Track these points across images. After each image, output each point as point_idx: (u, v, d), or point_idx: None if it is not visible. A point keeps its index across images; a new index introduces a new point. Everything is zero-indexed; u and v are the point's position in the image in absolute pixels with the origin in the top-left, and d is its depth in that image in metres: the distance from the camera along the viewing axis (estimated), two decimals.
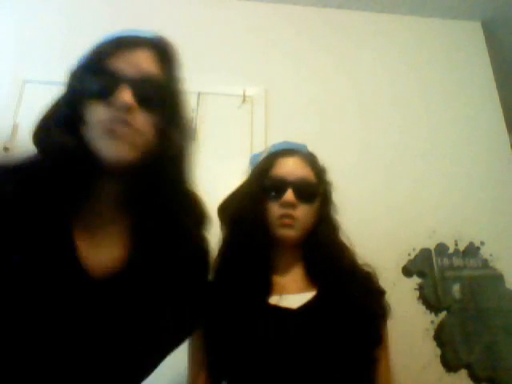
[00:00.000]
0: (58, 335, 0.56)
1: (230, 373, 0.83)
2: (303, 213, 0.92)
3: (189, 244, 0.70)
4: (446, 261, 1.61)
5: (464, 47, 2.01)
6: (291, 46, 1.90)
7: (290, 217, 0.90)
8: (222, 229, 0.98)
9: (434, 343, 1.49)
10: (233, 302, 0.85)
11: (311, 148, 1.06)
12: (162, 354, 0.69)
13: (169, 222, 0.67)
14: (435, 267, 1.59)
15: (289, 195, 0.91)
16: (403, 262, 1.59)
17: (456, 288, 1.57)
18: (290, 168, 0.95)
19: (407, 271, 1.58)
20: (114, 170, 0.63)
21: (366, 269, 0.96)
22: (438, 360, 1.47)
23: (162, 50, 0.69)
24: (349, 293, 0.87)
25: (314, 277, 0.92)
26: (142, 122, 0.63)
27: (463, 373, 1.46)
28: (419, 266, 1.59)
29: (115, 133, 0.60)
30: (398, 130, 1.81)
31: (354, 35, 1.98)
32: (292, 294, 0.88)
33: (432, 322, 1.52)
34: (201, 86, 1.73)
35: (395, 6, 1.99)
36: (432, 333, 1.50)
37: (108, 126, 0.60)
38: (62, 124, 0.63)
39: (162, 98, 0.66)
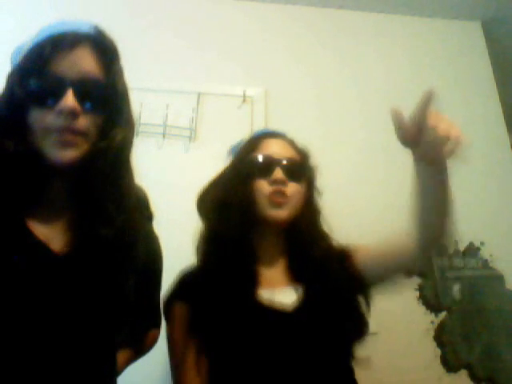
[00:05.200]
0: (36, 305, 0.59)
1: (224, 374, 0.81)
2: (294, 191, 0.90)
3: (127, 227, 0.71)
4: (445, 261, 1.61)
5: (464, 47, 2.01)
6: (292, 47, 1.90)
7: (281, 193, 0.88)
8: (202, 221, 0.95)
9: (434, 343, 1.49)
10: (220, 297, 0.82)
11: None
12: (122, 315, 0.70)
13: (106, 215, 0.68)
14: (435, 267, 1.59)
15: (279, 172, 0.89)
16: None
17: (456, 288, 1.57)
18: (276, 148, 0.94)
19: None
20: (59, 169, 0.65)
21: (338, 248, 0.95)
22: (438, 360, 1.47)
23: (102, 46, 0.68)
24: (334, 287, 0.86)
25: (296, 270, 0.91)
26: (87, 124, 0.64)
27: (463, 373, 1.46)
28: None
29: (64, 142, 0.62)
30: None
31: (354, 35, 1.97)
32: (279, 287, 0.87)
33: (432, 322, 1.52)
34: (201, 86, 1.73)
35: (395, 6, 1.99)
36: (432, 333, 1.50)
37: (58, 137, 0.62)
38: (2, 128, 0.63)
39: (104, 98, 0.67)
